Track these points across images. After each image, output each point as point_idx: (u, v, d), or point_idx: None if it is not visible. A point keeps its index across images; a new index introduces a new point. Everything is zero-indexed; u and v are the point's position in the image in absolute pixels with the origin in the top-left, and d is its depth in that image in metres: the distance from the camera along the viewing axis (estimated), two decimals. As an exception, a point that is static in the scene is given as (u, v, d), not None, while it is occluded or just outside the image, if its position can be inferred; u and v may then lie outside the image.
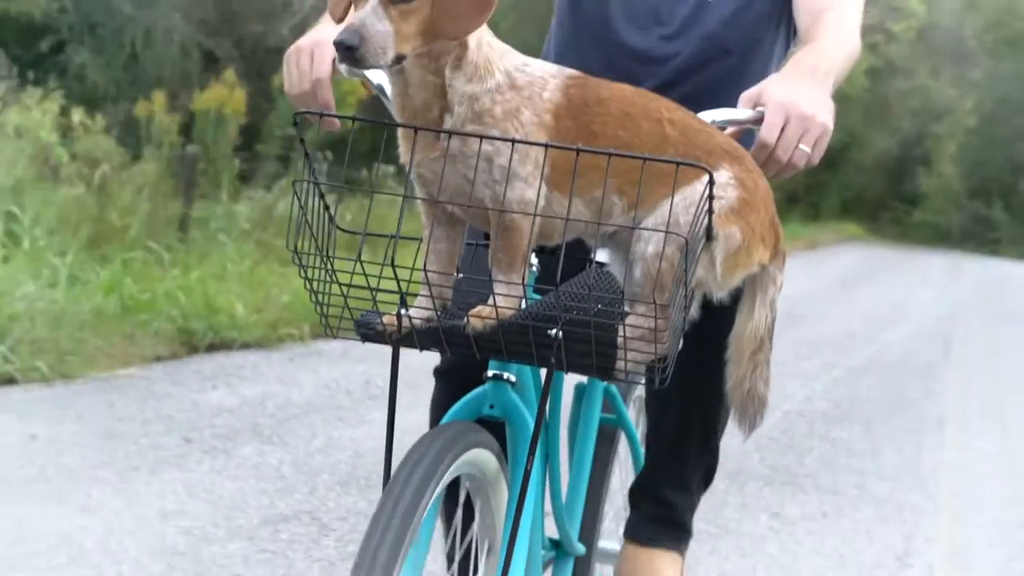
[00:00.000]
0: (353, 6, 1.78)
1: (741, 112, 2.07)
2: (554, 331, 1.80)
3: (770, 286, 2.00)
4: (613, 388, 2.74)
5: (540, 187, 1.84)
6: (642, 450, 2.88)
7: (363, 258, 1.74)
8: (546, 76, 1.90)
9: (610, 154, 1.75)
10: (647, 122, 1.93)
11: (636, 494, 2.72)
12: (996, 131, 41.64)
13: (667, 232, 1.80)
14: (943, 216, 40.49)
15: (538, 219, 1.83)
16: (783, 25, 2.63)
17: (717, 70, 2.56)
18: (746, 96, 2.07)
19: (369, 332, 1.90)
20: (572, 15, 2.66)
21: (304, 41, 2.15)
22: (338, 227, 1.87)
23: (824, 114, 2.00)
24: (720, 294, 1.96)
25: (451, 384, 2.50)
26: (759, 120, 2.02)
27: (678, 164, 1.76)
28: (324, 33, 2.12)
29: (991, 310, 15.87)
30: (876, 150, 37.71)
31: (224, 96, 9.78)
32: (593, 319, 1.79)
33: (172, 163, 9.12)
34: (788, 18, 2.59)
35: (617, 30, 2.58)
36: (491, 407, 2.07)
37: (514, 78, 1.86)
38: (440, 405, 2.49)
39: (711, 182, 1.75)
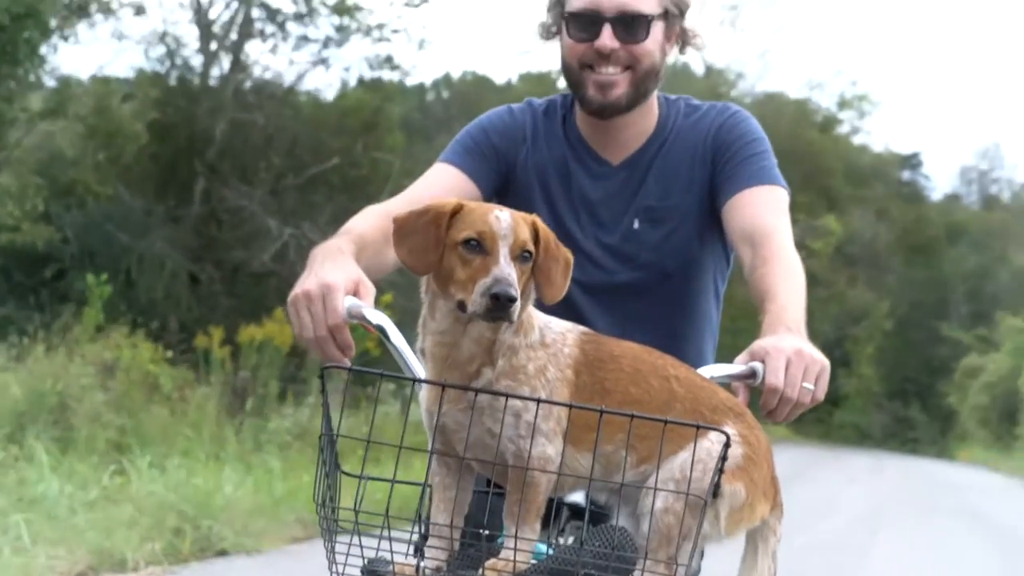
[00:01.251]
0: (466, 262, 1.85)
1: (736, 367, 2.14)
2: None
3: (771, 537, 2.05)
4: None
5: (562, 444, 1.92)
6: None
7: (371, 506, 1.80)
8: (564, 332, 1.99)
9: (632, 416, 1.85)
10: (656, 379, 2.01)
11: None
12: (912, 334, 43.64)
13: (688, 494, 1.90)
14: (864, 416, 41.97)
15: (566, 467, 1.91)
16: (717, 243, 2.76)
17: (662, 292, 2.69)
18: (741, 356, 2.16)
19: None
20: None
21: (311, 285, 2.11)
22: (342, 471, 1.94)
23: (819, 354, 2.12)
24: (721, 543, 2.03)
25: None
26: (752, 375, 2.11)
27: (698, 427, 1.90)
28: (331, 276, 2.13)
29: (913, 504, 17.21)
30: (799, 354, 39.20)
31: (275, 331, 11.28)
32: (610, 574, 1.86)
33: (226, 387, 10.52)
34: (721, 235, 2.72)
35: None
36: None
37: (544, 335, 1.95)
38: None
39: (727, 444, 1.87)
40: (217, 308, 16.08)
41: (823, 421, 41.04)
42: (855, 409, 42.36)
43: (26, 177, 16.08)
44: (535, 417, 1.85)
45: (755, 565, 2.04)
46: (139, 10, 19.40)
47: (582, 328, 2.03)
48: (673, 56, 2.81)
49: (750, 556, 2.06)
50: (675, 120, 2.77)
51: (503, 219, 1.85)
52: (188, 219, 17.50)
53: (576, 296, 2.66)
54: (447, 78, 41.44)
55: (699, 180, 2.69)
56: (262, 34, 20.33)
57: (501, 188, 2.77)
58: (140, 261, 16.04)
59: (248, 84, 19.29)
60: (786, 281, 2.36)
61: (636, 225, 2.69)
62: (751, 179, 2.62)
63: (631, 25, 2.65)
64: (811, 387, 2.08)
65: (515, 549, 1.85)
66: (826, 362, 2.11)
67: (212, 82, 19.45)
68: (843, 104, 44.25)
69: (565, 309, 2.34)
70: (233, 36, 20.01)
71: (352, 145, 18.87)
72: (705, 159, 2.70)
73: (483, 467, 1.96)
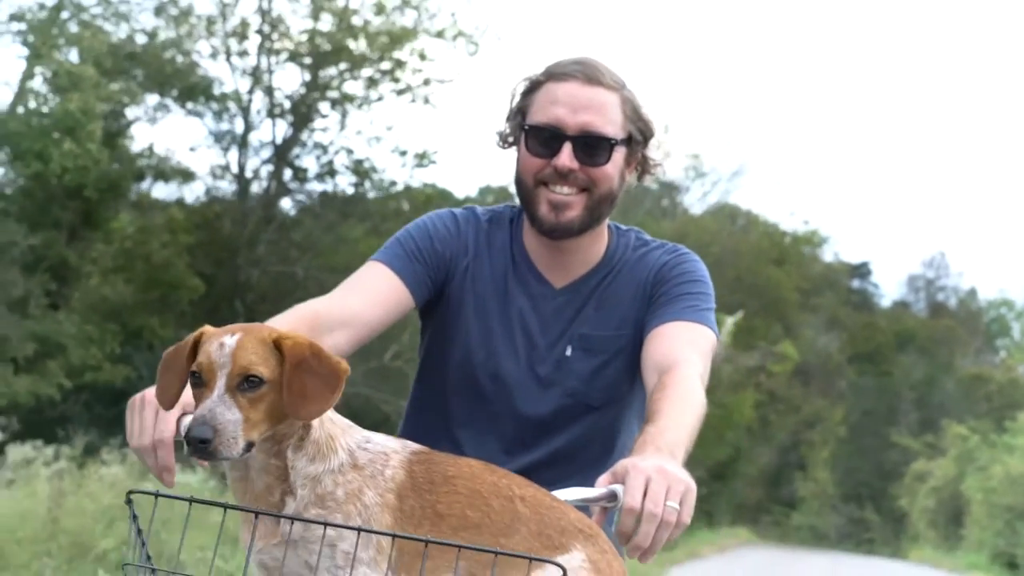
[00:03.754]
0: (195, 396, 1.74)
1: (595, 490, 1.99)
2: None
3: None
4: None
5: (386, 572, 1.79)
6: None
7: None
8: (388, 452, 1.87)
9: (459, 547, 1.69)
10: (497, 500, 1.87)
11: None
12: (863, 440, 44.64)
13: None
14: (821, 518, 43.11)
15: None
16: (639, 380, 2.60)
17: (584, 425, 2.58)
18: (602, 477, 2.00)
19: None
20: (438, 367, 2.66)
21: (151, 393, 1.94)
22: None
23: (683, 474, 1.97)
24: None
25: None
26: (612, 497, 1.95)
27: (531, 559, 1.70)
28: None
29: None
30: (759, 462, 41.03)
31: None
32: None
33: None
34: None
35: (478, 366, 2.60)
36: None
37: (356, 456, 1.82)
38: None
39: None
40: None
41: (780, 524, 42.52)
42: (811, 511, 43.49)
43: (102, 324, 18.79)
44: (354, 547, 1.74)
45: None
46: (188, 176, 22.60)
47: (414, 447, 1.92)
48: (631, 182, 2.70)
49: None
50: (623, 253, 2.69)
51: (227, 346, 1.72)
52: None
53: (498, 422, 2.59)
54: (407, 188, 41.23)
55: (636, 316, 2.61)
56: (290, 192, 23.45)
57: (433, 298, 2.64)
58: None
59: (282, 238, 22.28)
60: (675, 407, 2.24)
61: (568, 352, 2.60)
62: (678, 315, 2.54)
63: (593, 147, 2.56)
64: (676, 506, 1.91)
65: None
66: (692, 483, 1.96)
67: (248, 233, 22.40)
68: (797, 240, 46.77)
69: (479, 433, 2.45)
70: (267, 190, 23.08)
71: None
72: (645, 295, 2.63)
73: None
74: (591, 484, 2.03)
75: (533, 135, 2.61)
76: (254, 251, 21.97)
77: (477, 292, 2.64)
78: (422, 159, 23.13)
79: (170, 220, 21.10)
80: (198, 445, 1.66)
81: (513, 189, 2.74)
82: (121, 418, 2.12)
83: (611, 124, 2.59)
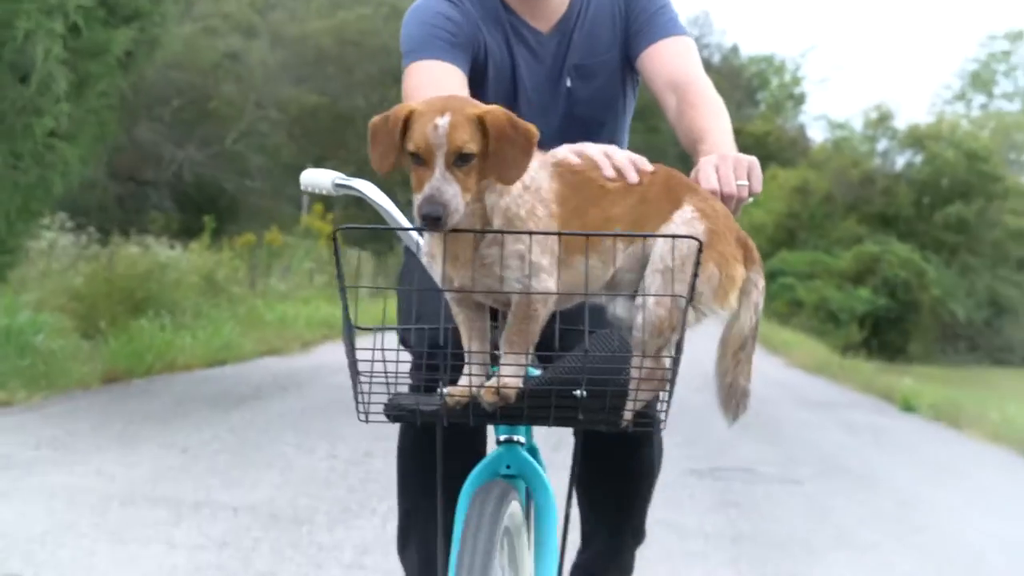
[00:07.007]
0: (414, 171, 1.91)
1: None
2: (579, 392, 1.99)
3: (752, 290, 2.15)
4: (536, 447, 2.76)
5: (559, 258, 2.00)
6: (556, 505, 2.84)
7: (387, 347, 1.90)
8: (538, 170, 2.05)
9: (616, 235, 2.02)
10: (623, 185, 2.11)
11: (577, 573, 2.91)
12: None
13: (672, 296, 2.02)
14: None
15: (562, 287, 2.01)
16: (630, 82, 2.89)
17: (593, 140, 2.52)
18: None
19: (401, 413, 2.08)
20: None
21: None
22: (357, 327, 2.03)
23: (746, 155, 2.28)
24: (725, 314, 2.14)
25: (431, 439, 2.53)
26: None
27: (674, 238, 2.00)
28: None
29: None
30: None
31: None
32: (610, 376, 2.00)
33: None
34: (632, 74, 2.86)
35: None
36: (507, 467, 2.27)
37: (525, 181, 2.01)
38: (422, 465, 2.67)
39: (700, 250, 1.98)
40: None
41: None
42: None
43: None
44: (532, 253, 1.96)
45: (737, 317, 2.14)
46: None
47: (546, 158, 2.10)
48: None
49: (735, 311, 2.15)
50: None
51: (440, 127, 1.88)
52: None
53: None
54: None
55: (617, 38, 2.80)
56: None
57: (472, 77, 2.70)
58: None
59: None
60: (716, 121, 2.49)
61: (568, 83, 2.79)
62: (662, 31, 2.76)
63: None
64: (746, 182, 2.21)
65: (502, 376, 1.99)
66: (754, 159, 2.24)
67: None
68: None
69: None
70: None
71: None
72: (620, 15, 2.81)
73: (495, 300, 2.07)
74: None
75: None
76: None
77: (494, 61, 2.76)
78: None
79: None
80: (432, 222, 1.86)
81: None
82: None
83: None
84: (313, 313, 18.55)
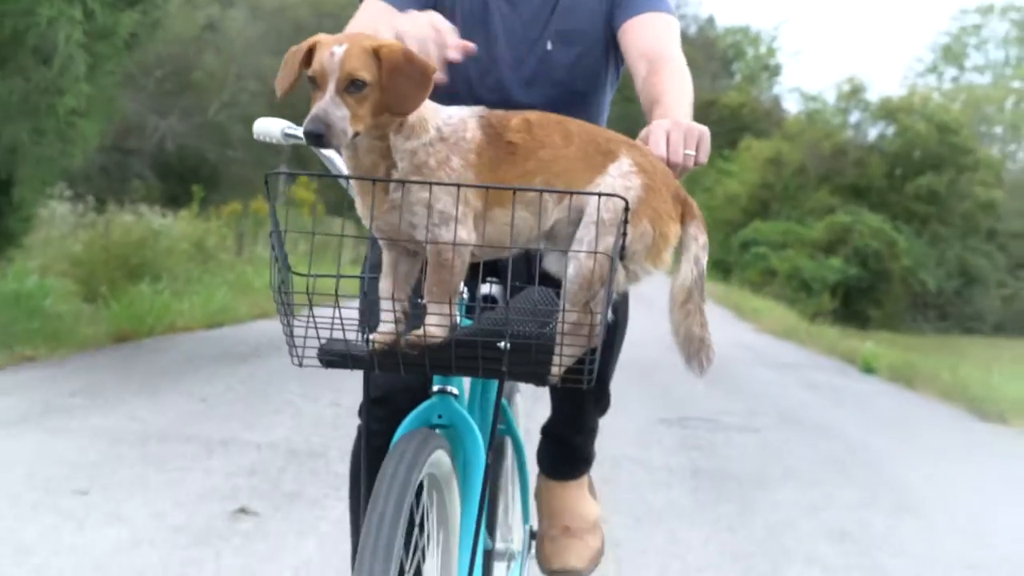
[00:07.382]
0: (312, 96, 1.95)
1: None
2: (503, 343, 2.01)
3: (692, 244, 2.13)
4: (504, 400, 2.87)
5: (483, 210, 2.03)
6: (527, 458, 3.11)
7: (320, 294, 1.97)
8: (464, 119, 2.07)
9: (542, 191, 2.02)
10: (555, 129, 2.10)
11: (545, 435, 3.01)
12: None
13: (595, 252, 1.99)
14: None
15: (485, 239, 2.03)
16: (613, 57, 2.85)
17: (572, 111, 2.53)
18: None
19: (333, 359, 2.09)
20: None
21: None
22: (292, 271, 2.07)
23: (698, 124, 2.24)
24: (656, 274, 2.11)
25: (386, 409, 2.63)
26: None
27: (600, 196, 1.98)
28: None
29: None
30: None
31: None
32: (535, 331, 2.03)
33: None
34: (617, 57, 2.85)
35: (475, 80, 2.78)
36: (439, 417, 2.28)
37: (442, 131, 2.03)
38: (378, 431, 2.59)
39: (626, 208, 1.98)
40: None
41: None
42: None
43: None
44: (440, 203, 1.98)
45: (679, 271, 2.12)
46: None
47: (479, 110, 2.10)
48: None
49: (675, 263, 2.13)
50: None
51: (336, 54, 1.94)
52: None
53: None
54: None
55: (602, 9, 2.80)
56: None
57: None
58: None
59: None
60: (676, 86, 2.48)
61: (550, 46, 2.78)
62: (646, 4, 2.75)
63: None
64: (692, 152, 2.19)
65: (427, 324, 2.01)
66: (705, 129, 2.22)
67: None
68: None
69: None
70: None
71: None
72: None
73: (418, 248, 2.09)
74: None
75: None
76: None
77: (464, 9, 2.80)
78: None
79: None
80: (314, 138, 1.90)
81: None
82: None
83: None
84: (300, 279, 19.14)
